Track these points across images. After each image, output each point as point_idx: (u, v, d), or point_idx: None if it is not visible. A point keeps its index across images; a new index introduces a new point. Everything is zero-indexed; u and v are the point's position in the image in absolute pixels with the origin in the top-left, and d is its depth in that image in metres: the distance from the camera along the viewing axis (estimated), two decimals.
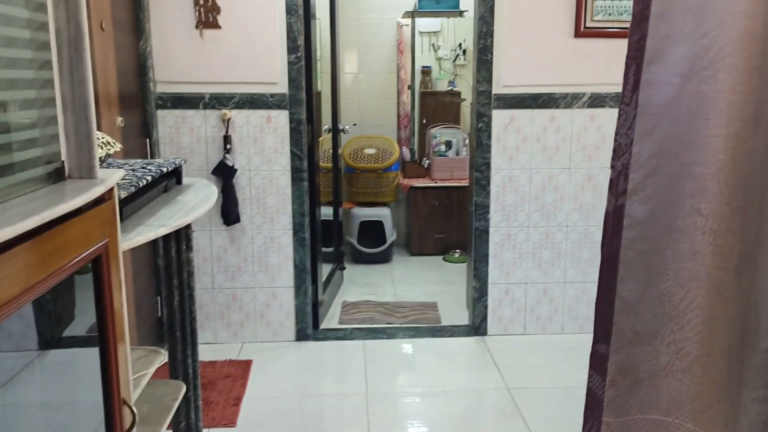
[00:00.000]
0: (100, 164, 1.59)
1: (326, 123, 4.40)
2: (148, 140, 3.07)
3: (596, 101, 3.21)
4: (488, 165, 3.26)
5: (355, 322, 3.62)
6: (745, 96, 0.74)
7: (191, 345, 2.05)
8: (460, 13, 5.20)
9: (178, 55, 3.07)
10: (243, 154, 3.19)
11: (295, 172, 3.20)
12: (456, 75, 5.46)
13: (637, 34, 0.75)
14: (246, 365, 3.08)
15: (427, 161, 5.16)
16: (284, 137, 3.17)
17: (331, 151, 4.24)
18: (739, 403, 0.72)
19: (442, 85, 5.41)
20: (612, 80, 3.18)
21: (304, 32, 3.15)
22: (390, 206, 5.04)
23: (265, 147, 3.18)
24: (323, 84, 4.79)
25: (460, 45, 5.40)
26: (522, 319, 3.43)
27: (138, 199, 1.61)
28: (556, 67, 3.17)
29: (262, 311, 3.34)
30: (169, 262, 1.97)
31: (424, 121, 5.34)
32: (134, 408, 1.22)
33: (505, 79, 3.18)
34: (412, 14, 5.25)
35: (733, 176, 0.76)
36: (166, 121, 3.13)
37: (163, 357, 1.71)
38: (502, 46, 3.15)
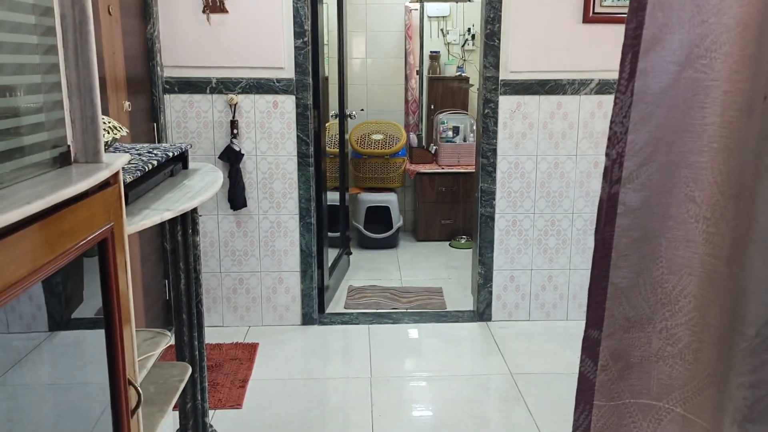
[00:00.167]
0: (107, 148, 1.61)
1: (333, 108, 4.40)
2: (155, 124, 3.09)
3: (604, 87, 3.20)
4: (494, 151, 3.25)
5: (361, 306, 3.65)
6: (740, 84, 0.74)
7: (197, 327, 2.08)
8: None
9: (186, 40, 3.07)
10: (250, 139, 3.20)
11: (302, 157, 3.22)
12: (465, 60, 5.43)
13: (633, 22, 0.76)
14: (252, 348, 3.12)
15: (435, 147, 5.15)
16: (291, 122, 3.18)
17: (338, 136, 4.24)
18: (727, 389, 0.73)
19: (451, 71, 5.38)
20: None
21: (311, 17, 3.14)
22: (397, 192, 5.05)
23: (271, 132, 3.19)
24: (331, 69, 4.78)
25: (469, 30, 5.37)
26: (527, 305, 3.44)
27: (144, 183, 1.62)
28: (564, 53, 3.16)
29: (269, 295, 3.37)
30: (176, 246, 1.99)
31: (432, 107, 5.33)
32: (140, 388, 1.25)
33: (513, 65, 3.16)
34: None
35: (726, 164, 0.77)
36: (174, 105, 3.15)
37: (169, 339, 1.74)
38: (510, 32, 3.13)
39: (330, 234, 3.86)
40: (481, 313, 3.44)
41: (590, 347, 0.83)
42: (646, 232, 0.81)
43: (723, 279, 0.77)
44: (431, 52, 5.40)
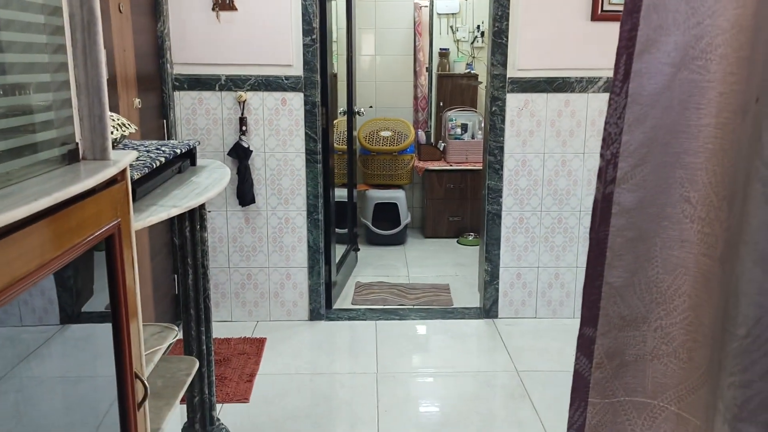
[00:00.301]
0: (116, 145, 1.63)
1: (342, 105, 4.42)
2: (165, 121, 3.12)
3: None
4: (501, 149, 3.26)
5: (368, 302, 3.67)
6: (735, 86, 0.75)
7: (205, 322, 2.11)
8: None
9: (195, 37, 3.10)
10: (258, 135, 3.22)
11: (310, 154, 3.23)
12: (474, 57, 5.43)
13: (628, 24, 0.76)
14: (260, 343, 3.15)
15: (443, 144, 5.16)
16: (299, 119, 3.20)
17: (346, 133, 4.26)
18: (719, 388, 0.74)
19: (460, 68, 5.38)
20: None
21: (320, 14, 3.16)
22: (405, 189, 5.06)
23: (280, 129, 3.21)
24: (339, 66, 4.79)
25: (478, 27, 5.37)
26: (533, 303, 3.44)
27: (151, 180, 1.64)
28: (572, 51, 3.15)
29: (277, 290, 3.40)
30: (184, 242, 2.02)
31: (441, 104, 5.34)
32: (146, 382, 1.27)
33: (520, 63, 3.16)
34: None
35: (721, 165, 0.77)
36: (183, 102, 3.17)
37: (176, 334, 1.76)
38: (518, 30, 3.13)
39: (338, 230, 3.88)
40: (488, 310, 3.44)
41: (585, 345, 0.84)
42: (640, 232, 0.82)
43: (717, 279, 0.78)
44: (440, 49, 5.40)
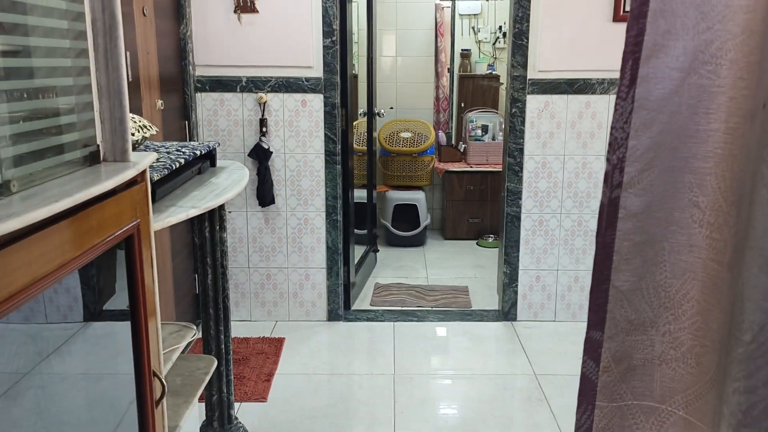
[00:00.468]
0: (138, 147, 1.66)
1: (362, 106, 4.43)
2: (186, 122, 3.16)
3: None
4: (521, 151, 3.24)
5: (386, 304, 3.68)
6: (745, 91, 0.74)
7: (224, 321, 2.13)
8: None
9: (217, 39, 3.14)
10: (278, 137, 3.25)
11: (329, 155, 3.25)
12: (495, 58, 5.41)
13: (634, 29, 0.76)
14: (278, 343, 3.17)
15: (463, 145, 5.15)
16: (319, 121, 3.22)
17: (366, 134, 4.27)
18: (725, 393, 0.74)
19: (482, 69, 5.37)
20: None
21: (340, 16, 3.18)
22: (425, 190, 5.06)
23: (299, 130, 3.24)
24: (360, 67, 4.81)
25: (500, 28, 5.35)
26: (552, 306, 3.42)
27: (171, 181, 1.67)
28: (594, 52, 3.13)
29: (295, 291, 3.42)
30: (203, 242, 2.05)
31: (462, 105, 5.33)
32: (164, 380, 1.29)
33: (541, 64, 3.15)
34: None
35: (730, 171, 0.77)
36: (205, 103, 3.22)
37: (194, 332, 1.79)
38: (538, 31, 3.12)
39: (357, 231, 3.89)
40: (506, 312, 3.43)
41: (592, 348, 0.84)
42: (648, 236, 0.82)
43: (725, 284, 0.77)
44: (462, 49, 5.40)
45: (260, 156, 3.23)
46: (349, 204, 3.50)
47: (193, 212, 1.55)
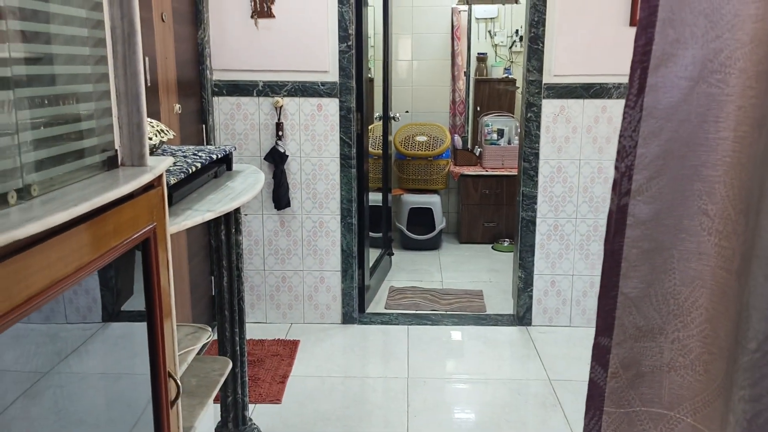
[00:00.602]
0: (155, 151, 1.69)
1: (378, 110, 4.45)
2: (204, 126, 3.20)
3: None
4: (537, 155, 3.24)
5: (401, 307, 3.68)
6: (753, 100, 0.74)
7: (239, 324, 2.16)
8: (516, 0, 5.14)
9: (234, 44, 3.17)
10: (294, 140, 3.27)
11: (344, 159, 3.27)
12: (512, 62, 5.41)
13: (642, 39, 0.77)
14: (293, 345, 3.19)
15: (479, 149, 5.14)
16: (334, 125, 3.24)
17: (382, 138, 4.29)
18: (730, 401, 0.74)
19: (498, 72, 5.37)
20: None
21: (356, 21, 3.20)
22: (440, 194, 5.06)
23: (315, 134, 3.26)
24: (376, 71, 4.83)
25: (516, 32, 5.34)
26: (567, 311, 3.41)
27: (188, 185, 1.70)
28: (610, 56, 3.12)
29: (310, 294, 3.44)
30: (219, 245, 2.07)
31: (478, 109, 5.33)
32: (179, 381, 1.31)
33: (556, 69, 3.14)
34: (468, 0, 5.22)
35: (738, 179, 0.77)
36: (222, 107, 3.25)
37: (210, 334, 1.81)
38: (554, 36, 3.11)
39: (372, 234, 3.91)
40: (521, 317, 3.42)
41: (600, 354, 0.85)
42: (657, 243, 0.82)
43: (733, 292, 0.77)
44: (478, 53, 5.40)
45: (276, 159, 3.26)
46: (364, 207, 3.51)
47: (209, 216, 1.57)
